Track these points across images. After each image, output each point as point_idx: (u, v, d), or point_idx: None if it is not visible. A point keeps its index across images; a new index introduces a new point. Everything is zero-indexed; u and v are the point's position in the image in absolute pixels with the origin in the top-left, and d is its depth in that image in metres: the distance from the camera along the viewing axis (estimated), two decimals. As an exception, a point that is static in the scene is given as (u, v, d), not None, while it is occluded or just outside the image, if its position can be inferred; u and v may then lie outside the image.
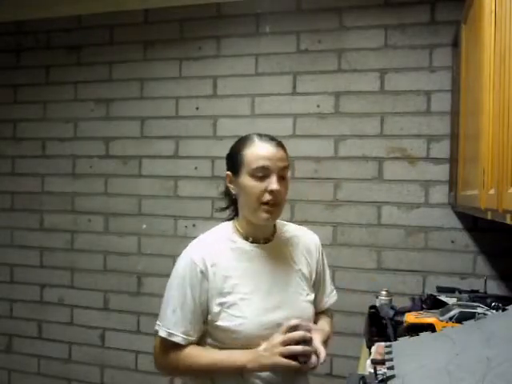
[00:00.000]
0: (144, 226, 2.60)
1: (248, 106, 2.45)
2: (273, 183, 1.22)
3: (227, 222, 1.37)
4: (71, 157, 2.74)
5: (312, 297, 1.36)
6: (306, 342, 1.19)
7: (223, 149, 2.42)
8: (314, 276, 1.39)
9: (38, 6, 2.72)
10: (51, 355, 2.76)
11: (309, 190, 2.32)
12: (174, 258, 2.45)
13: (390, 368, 0.91)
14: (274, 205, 1.25)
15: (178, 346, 1.23)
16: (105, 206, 2.67)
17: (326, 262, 1.45)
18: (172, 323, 1.22)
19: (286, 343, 1.18)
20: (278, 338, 1.19)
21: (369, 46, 2.28)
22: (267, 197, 1.23)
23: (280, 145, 1.28)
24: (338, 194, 2.32)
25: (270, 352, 1.18)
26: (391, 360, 0.95)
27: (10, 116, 2.85)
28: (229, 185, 1.31)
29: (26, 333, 2.81)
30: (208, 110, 2.51)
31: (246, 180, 1.24)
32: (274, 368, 1.20)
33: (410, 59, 2.23)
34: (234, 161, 1.28)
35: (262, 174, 1.23)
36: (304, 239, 1.41)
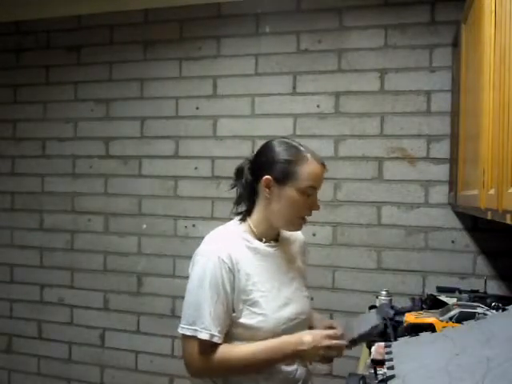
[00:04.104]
0: (144, 226, 2.60)
1: (248, 106, 2.44)
2: (316, 202, 1.32)
3: (234, 222, 1.37)
4: (71, 157, 2.74)
5: (308, 292, 1.44)
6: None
7: (223, 149, 2.48)
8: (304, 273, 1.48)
9: (38, 6, 2.72)
10: (51, 355, 2.76)
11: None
12: (174, 258, 2.49)
13: (390, 368, 0.91)
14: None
15: (215, 346, 1.22)
16: (105, 206, 2.67)
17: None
18: (210, 324, 1.21)
19: (329, 348, 1.24)
20: (325, 340, 1.24)
21: (369, 45, 2.28)
22: (307, 213, 1.31)
23: (324, 163, 1.33)
24: (338, 194, 2.32)
25: (315, 352, 1.24)
26: (391, 360, 0.95)
27: (10, 116, 2.85)
28: (265, 189, 1.30)
29: (25, 333, 2.81)
30: (208, 110, 2.51)
31: (292, 193, 1.28)
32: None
33: (410, 59, 2.23)
34: (282, 170, 1.28)
35: (310, 192, 1.29)
36: (296, 238, 1.48)
